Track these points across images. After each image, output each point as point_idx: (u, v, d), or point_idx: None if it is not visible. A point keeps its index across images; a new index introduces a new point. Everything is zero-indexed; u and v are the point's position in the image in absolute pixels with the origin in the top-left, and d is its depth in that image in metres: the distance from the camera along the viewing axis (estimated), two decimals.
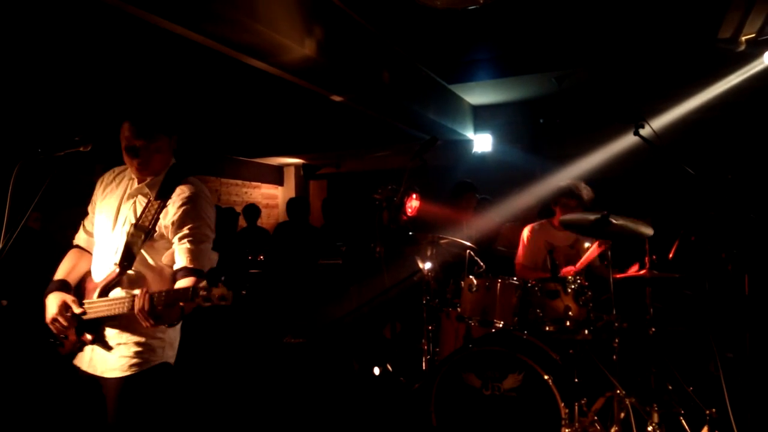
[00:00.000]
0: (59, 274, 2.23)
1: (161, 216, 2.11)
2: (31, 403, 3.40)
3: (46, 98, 5.86)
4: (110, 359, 2.08)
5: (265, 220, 10.71)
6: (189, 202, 2.12)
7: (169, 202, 2.13)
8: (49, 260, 2.32)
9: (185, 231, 2.09)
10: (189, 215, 2.10)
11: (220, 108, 7.19)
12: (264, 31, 3.89)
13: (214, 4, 3.48)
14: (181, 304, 1.87)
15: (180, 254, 2.08)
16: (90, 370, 2.11)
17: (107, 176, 2.33)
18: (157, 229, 2.11)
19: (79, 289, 2.21)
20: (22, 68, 5.17)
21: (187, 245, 2.07)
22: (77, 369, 2.14)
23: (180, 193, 2.15)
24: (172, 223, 2.10)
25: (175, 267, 2.09)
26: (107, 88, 5.63)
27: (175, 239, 2.10)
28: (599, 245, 3.62)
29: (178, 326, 2.23)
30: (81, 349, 2.13)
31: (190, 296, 1.81)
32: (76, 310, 2.07)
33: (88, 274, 2.24)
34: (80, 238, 2.36)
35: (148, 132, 2.09)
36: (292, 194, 10.98)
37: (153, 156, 2.13)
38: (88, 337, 2.08)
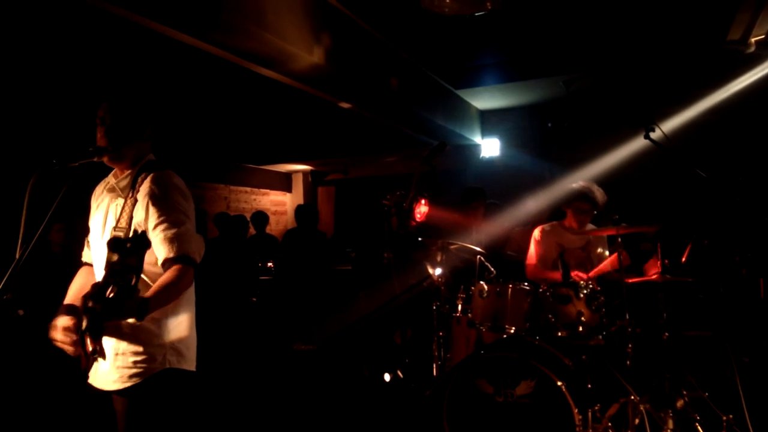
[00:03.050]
0: (67, 298, 2.19)
1: (134, 214, 2.03)
2: (43, 412, 3.41)
3: (62, 109, 5.92)
4: (110, 371, 2.03)
5: (274, 227, 10.74)
6: (153, 191, 2.03)
7: (138, 196, 2.05)
8: (67, 272, 2.31)
9: (155, 221, 1.98)
10: (156, 204, 2.01)
11: (229, 116, 7.22)
12: (272, 39, 3.91)
13: (223, 14, 3.50)
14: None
15: (158, 246, 1.97)
16: (95, 384, 2.08)
17: (98, 188, 2.28)
18: (132, 228, 2.02)
19: None
20: (39, 80, 5.23)
21: (161, 235, 1.96)
22: (87, 383, 2.10)
23: (145, 184, 2.06)
24: (144, 218, 2.01)
25: (159, 263, 1.98)
26: (119, 98, 5.67)
27: (150, 234, 1.99)
28: (616, 257, 3.56)
29: (186, 329, 2.15)
30: (92, 363, 2.09)
31: (110, 277, 1.66)
32: (67, 323, 1.98)
33: None
34: (86, 255, 2.34)
35: (119, 109, 2.07)
36: (301, 201, 11.01)
37: (122, 137, 2.06)
38: (89, 347, 2.05)
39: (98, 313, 1.68)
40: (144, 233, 1.67)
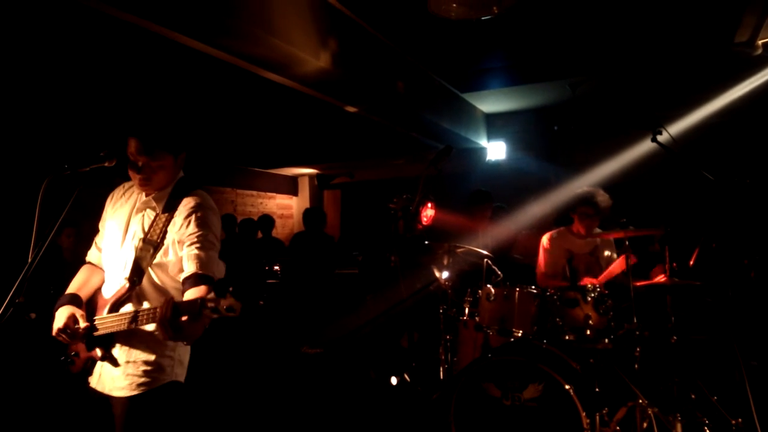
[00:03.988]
0: (71, 289, 2.22)
1: (169, 229, 2.10)
2: (52, 414, 3.44)
3: (73, 114, 5.97)
4: (118, 378, 2.05)
5: (280, 230, 10.76)
6: (195, 212, 2.10)
7: (176, 213, 2.11)
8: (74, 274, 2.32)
9: (193, 238, 2.05)
10: (195, 224, 2.07)
11: (236, 120, 7.25)
12: (279, 44, 3.93)
13: (230, 20, 3.52)
14: (184, 318, 1.79)
15: (189, 260, 2.03)
16: (99, 388, 2.09)
17: (117, 191, 2.32)
18: (165, 243, 2.09)
19: (90, 304, 2.21)
20: (51, 86, 5.28)
21: (196, 251, 2.02)
22: (88, 386, 2.13)
23: (186, 204, 2.13)
24: (179, 234, 2.08)
25: (183, 275, 2.03)
26: (129, 103, 5.72)
27: (184, 247, 2.06)
28: (624, 259, 3.55)
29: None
30: (91, 370, 2.11)
31: (198, 308, 1.75)
32: (82, 324, 2.06)
33: (99, 289, 2.24)
34: (92, 255, 2.36)
35: (152, 150, 2.08)
36: (307, 204, 11.02)
37: (156, 173, 2.12)
38: (98, 352, 2.06)
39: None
40: (250, 287, 1.76)
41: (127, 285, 2.07)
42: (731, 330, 3.78)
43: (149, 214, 2.16)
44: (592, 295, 3.39)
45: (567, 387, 3.01)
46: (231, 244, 6.60)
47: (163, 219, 2.12)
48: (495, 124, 8.35)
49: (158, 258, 2.09)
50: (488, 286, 3.71)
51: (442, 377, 4.06)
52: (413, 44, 5.67)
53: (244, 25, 3.63)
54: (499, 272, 4.10)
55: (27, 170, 5.24)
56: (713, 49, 5.45)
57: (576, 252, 4.12)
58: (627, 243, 3.47)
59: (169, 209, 2.13)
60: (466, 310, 4.02)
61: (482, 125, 8.21)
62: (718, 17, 5.03)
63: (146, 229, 2.13)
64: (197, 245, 2.04)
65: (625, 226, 3.50)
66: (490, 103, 7.77)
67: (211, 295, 1.73)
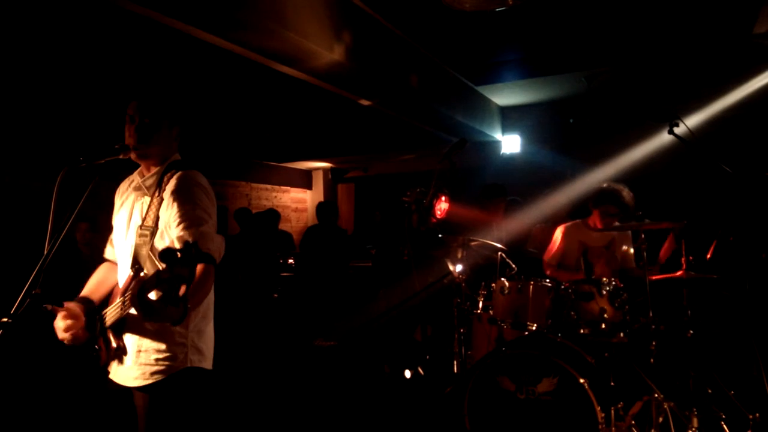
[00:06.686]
0: (84, 291, 2.23)
1: (161, 213, 2.05)
2: (66, 405, 3.49)
3: (88, 107, 6.04)
4: (131, 368, 2.05)
5: (295, 224, 10.82)
6: (177, 190, 2.05)
7: (164, 195, 2.07)
8: (93, 270, 2.34)
9: (178, 218, 1.99)
10: (178, 201, 2.02)
11: (250, 114, 7.28)
12: (293, 37, 3.93)
13: (244, 12, 3.53)
14: (152, 295, 1.65)
15: (179, 242, 1.97)
16: (116, 379, 2.11)
17: (123, 185, 2.31)
18: (159, 227, 2.04)
19: (108, 300, 2.21)
20: (66, 79, 5.34)
21: (183, 232, 1.96)
22: (108, 377, 2.14)
23: (170, 184, 2.08)
24: (167, 215, 2.03)
25: None
26: (149, 97, 5.78)
27: (173, 229, 2.01)
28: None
29: (207, 328, 2.17)
30: (111, 362, 2.11)
31: (155, 282, 1.63)
32: (73, 309, 2.05)
33: (118, 284, 2.24)
34: (108, 252, 2.37)
35: (149, 108, 2.10)
36: (321, 198, 11.06)
37: (151, 135, 2.09)
38: (113, 344, 2.07)
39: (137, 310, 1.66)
40: (196, 245, 1.62)
41: (131, 273, 2.04)
42: (748, 324, 3.74)
43: (145, 200, 2.13)
44: (608, 288, 3.36)
45: (582, 381, 3.00)
46: (245, 237, 6.64)
47: (156, 203, 2.07)
48: (510, 117, 8.29)
49: (157, 243, 2.05)
50: (502, 279, 3.69)
51: (456, 371, 4.05)
52: (427, 37, 5.64)
53: (258, 18, 3.64)
54: (514, 265, 4.07)
55: (43, 162, 5.31)
56: (731, 41, 5.36)
57: (590, 245, 4.08)
58: (643, 236, 3.43)
59: (160, 191, 2.09)
60: (480, 304, 4.00)
61: (497, 118, 8.17)
62: (737, 8, 4.94)
63: (143, 216, 2.09)
64: (184, 224, 1.98)
65: (642, 219, 3.47)
66: (505, 96, 7.72)
67: (164, 266, 1.60)
